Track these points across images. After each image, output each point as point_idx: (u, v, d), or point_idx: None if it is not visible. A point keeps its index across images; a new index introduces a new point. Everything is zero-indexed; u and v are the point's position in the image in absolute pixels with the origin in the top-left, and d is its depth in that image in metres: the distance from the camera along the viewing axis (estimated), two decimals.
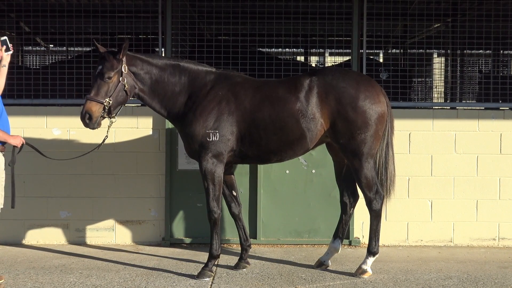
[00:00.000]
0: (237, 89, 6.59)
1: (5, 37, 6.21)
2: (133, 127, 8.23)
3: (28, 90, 8.51)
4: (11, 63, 6.23)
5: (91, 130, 6.44)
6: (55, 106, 8.39)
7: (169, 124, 8.09)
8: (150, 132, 8.23)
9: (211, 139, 6.46)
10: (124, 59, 6.39)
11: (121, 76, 6.35)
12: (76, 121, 8.14)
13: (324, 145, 6.97)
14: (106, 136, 6.66)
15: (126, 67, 6.40)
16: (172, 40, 8.31)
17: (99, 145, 6.78)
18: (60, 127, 8.23)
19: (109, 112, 6.35)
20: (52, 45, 13.63)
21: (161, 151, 8.21)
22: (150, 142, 8.22)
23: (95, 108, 6.26)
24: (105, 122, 6.48)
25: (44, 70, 8.91)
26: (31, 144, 6.59)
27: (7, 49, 6.18)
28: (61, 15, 8.79)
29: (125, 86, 6.37)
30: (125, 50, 6.37)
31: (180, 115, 6.60)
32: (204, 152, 6.49)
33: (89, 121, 6.27)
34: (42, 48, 13.93)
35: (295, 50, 13.31)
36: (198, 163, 6.61)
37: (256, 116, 6.48)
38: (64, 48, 12.91)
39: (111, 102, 6.30)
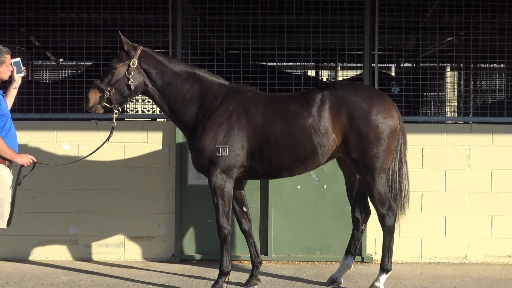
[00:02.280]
0: (248, 104, 6.57)
1: (18, 59, 6.24)
2: (143, 142, 8.22)
3: (38, 104, 8.53)
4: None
5: (102, 144, 6.57)
6: (65, 120, 8.41)
7: (179, 139, 8.07)
8: (160, 147, 8.22)
9: (220, 154, 6.44)
10: (137, 54, 6.51)
11: (128, 69, 6.46)
12: (86, 136, 8.25)
13: (335, 160, 6.92)
14: (113, 126, 6.59)
15: (137, 63, 6.52)
16: (182, 54, 8.32)
17: (106, 139, 6.72)
18: (70, 141, 8.23)
19: (109, 102, 6.43)
20: (62, 60, 13.69)
21: (171, 166, 8.19)
22: (160, 157, 8.20)
23: (94, 93, 6.42)
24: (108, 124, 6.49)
25: (54, 84, 8.94)
26: (41, 162, 6.56)
27: (19, 71, 6.20)
28: (71, 29, 8.81)
29: (129, 80, 6.44)
30: (136, 50, 6.52)
31: (189, 126, 6.61)
32: (214, 167, 6.46)
33: (86, 104, 6.44)
34: (52, 63, 13.99)
35: (306, 64, 13.31)
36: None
37: (267, 132, 6.45)
38: (74, 63, 12.97)
39: (112, 91, 6.40)
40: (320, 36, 9.12)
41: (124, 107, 6.92)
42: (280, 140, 6.45)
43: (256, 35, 8.71)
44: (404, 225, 7.94)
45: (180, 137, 8.07)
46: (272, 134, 6.46)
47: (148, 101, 11.31)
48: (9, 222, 6.12)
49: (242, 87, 6.78)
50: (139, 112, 12.06)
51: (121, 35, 6.47)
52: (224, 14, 8.95)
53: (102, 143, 6.89)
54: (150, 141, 8.23)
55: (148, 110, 11.68)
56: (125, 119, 8.93)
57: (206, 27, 9.74)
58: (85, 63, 11.38)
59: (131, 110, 12.05)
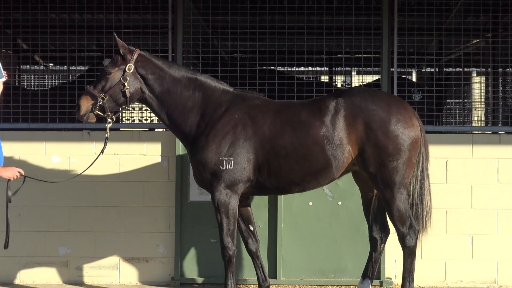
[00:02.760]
0: (255, 112, 6.58)
1: None
2: (140, 154, 8.25)
3: (25, 113, 8.57)
4: (6, 83, 6.25)
5: (97, 158, 6.68)
6: (55, 131, 8.44)
7: (180, 151, 8.09)
8: (159, 160, 8.23)
9: (224, 168, 6.45)
10: (134, 58, 6.56)
11: (123, 75, 6.50)
12: (78, 147, 8.27)
13: (350, 173, 6.91)
14: (106, 136, 6.66)
15: (133, 68, 6.57)
16: (183, 58, 8.36)
17: (101, 152, 6.78)
18: (60, 154, 8.26)
19: (103, 110, 6.48)
20: (52, 64, 13.75)
21: (171, 181, 8.20)
22: (159, 170, 8.22)
23: (86, 100, 6.49)
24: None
25: (43, 91, 8.97)
26: (30, 176, 6.58)
27: (0, 76, 6.19)
28: (62, 31, 8.86)
29: (124, 86, 6.48)
30: (132, 54, 6.57)
31: (191, 137, 6.64)
32: (217, 182, 6.47)
33: (77, 112, 6.50)
34: (41, 67, 14.05)
35: (318, 68, 13.33)
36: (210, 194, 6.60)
37: (276, 143, 6.46)
38: (65, 68, 13.02)
39: (105, 98, 6.45)
40: (334, 38, 9.15)
41: (119, 116, 6.97)
42: (290, 152, 6.46)
43: (264, 37, 8.74)
44: (426, 246, 7.92)
45: (180, 148, 8.08)
46: (281, 146, 6.47)
47: (146, 110, 11.34)
48: (6, 244, 6.14)
49: (248, 94, 6.80)
50: (136, 121, 12.09)
51: (117, 38, 6.51)
52: (229, 15, 8.98)
53: (96, 156, 6.94)
54: (147, 153, 8.25)
55: (146, 119, 11.72)
56: (121, 129, 8.95)
57: (209, 28, 9.77)
58: (77, 68, 11.42)
59: (127, 119, 12.09)
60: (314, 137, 6.46)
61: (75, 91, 8.64)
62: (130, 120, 12.16)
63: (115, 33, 6.61)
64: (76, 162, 8.20)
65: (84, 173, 7.51)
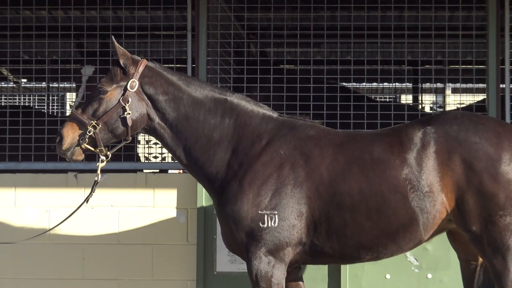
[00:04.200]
0: (308, 147, 6.56)
1: None
2: (147, 206, 8.32)
3: None
4: None
5: (79, 207, 6.62)
6: (29, 173, 8.52)
7: (203, 201, 8.12)
8: (174, 214, 8.31)
9: (266, 225, 6.42)
10: (138, 71, 6.54)
11: (123, 94, 6.49)
12: (61, 196, 8.31)
13: (444, 234, 6.85)
14: (96, 181, 6.62)
15: (138, 84, 6.53)
16: (207, 71, 8.41)
17: (85, 200, 6.72)
18: (36, 205, 8.35)
19: (94, 143, 6.46)
20: (25, 80, 13.90)
21: (191, 244, 8.24)
22: (174, 229, 8.30)
23: (72, 129, 6.45)
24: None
25: (13, 118, 9.03)
26: None
27: None
28: (40, 34, 9.00)
29: (125, 111, 6.46)
30: (137, 65, 6.56)
31: (218, 181, 6.63)
32: (255, 246, 6.44)
33: (59, 145, 6.44)
34: (11, 84, 14.20)
35: (398, 85, 13.30)
36: (245, 262, 6.58)
37: (339, 190, 6.42)
38: (44, 84, 13.13)
39: (98, 126, 6.42)
40: (419, 42, 9.12)
41: (118, 151, 6.97)
42: (359, 202, 6.40)
43: (321, 41, 8.76)
44: None
45: (204, 198, 8.14)
46: (346, 194, 6.42)
47: (155, 143, 11.40)
48: None
49: (299, 121, 6.78)
50: (142, 159, 12.15)
51: (115, 42, 6.52)
52: (272, 10, 9.01)
53: (79, 205, 6.86)
54: (158, 205, 8.32)
55: (155, 156, 11.79)
56: (119, 171, 8.96)
57: (245, 29, 9.82)
58: (60, 84, 11.54)
59: (129, 156, 12.13)
60: (392, 181, 6.40)
61: (56, 117, 8.70)
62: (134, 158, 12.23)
63: (112, 36, 6.61)
64: (58, 217, 8.19)
65: (70, 232, 7.54)
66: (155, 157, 11.81)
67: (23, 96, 14.29)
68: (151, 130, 6.71)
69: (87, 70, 9.61)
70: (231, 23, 9.36)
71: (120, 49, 6.56)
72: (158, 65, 6.73)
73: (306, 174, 6.49)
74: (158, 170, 8.99)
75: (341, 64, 9.26)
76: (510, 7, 8.39)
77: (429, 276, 8.08)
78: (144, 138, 11.56)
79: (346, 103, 8.69)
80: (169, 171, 9.06)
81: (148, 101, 6.61)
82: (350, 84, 11.28)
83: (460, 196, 6.39)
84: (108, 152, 6.59)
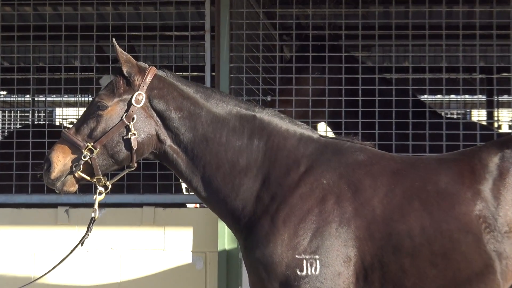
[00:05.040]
0: (357, 175, 6.49)
1: None
2: (156, 249, 8.33)
3: None
4: None
5: (74, 248, 6.56)
6: (9, 207, 8.54)
7: (225, 243, 8.11)
8: (189, 259, 8.33)
9: (305, 273, 6.36)
10: (146, 82, 6.48)
11: (127, 110, 6.43)
12: (49, 236, 8.31)
13: None
14: (93, 218, 6.51)
15: (145, 98, 6.48)
16: (230, 81, 8.38)
17: (80, 242, 6.65)
18: (18, 247, 8.34)
19: (90, 170, 6.40)
20: (3, 93, 13.97)
21: None
22: (190, 277, 8.32)
23: (63, 153, 6.40)
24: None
25: None
26: None
27: None
28: (22, 35, 9.02)
29: (129, 131, 6.41)
30: (144, 74, 6.51)
31: (244, 218, 6.58)
32: None
33: (46, 173, 6.37)
34: None
35: (467, 98, 13.27)
36: None
37: (396, 230, 6.34)
38: (28, 98, 13.18)
39: (96, 149, 6.37)
40: (494, 44, 9.08)
41: (119, 180, 6.90)
42: (421, 245, 6.33)
43: (371, 43, 8.73)
44: None
45: (226, 239, 8.13)
46: (404, 235, 6.34)
47: (165, 170, 11.39)
48: None
49: (345, 142, 6.72)
50: (149, 191, 12.13)
51: (117, 46, 6.47)
52: (311, 6, 8.98)
53: (72, 248, 6.81)
54: (169, 247, 8.33)
55: (166, 187, 11.76)
56: (121, 205, 8.94)
57: (277, 29, 9.79)
58: (48, 98, 11.55)
59: (133, 187, 12.13)
60: (462, 219, 6.33)
61: (44, 138, 8.69)
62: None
63: (113, 39, 6.57)
64: (46, 263, 8.23)
65: (61, 283, 7.51)
66: (166, 188, 11.80)
67: (2, 112, 14.37)
68: (161, 154, 6.65)
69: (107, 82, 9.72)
70: (260, 21, 9.34)
71: (123, 54, 6.50)
72: (170, 74, 6.67)
73: (355, 210, 6.42)
74: (169, 202, 8.96)
75: (397, 71, 9.21)
76: None
77: None
78: (155, 165, 11.56)
79: (402, 121, 8.64)
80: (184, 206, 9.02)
81: (158, 119, 6.55)
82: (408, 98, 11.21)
83: None
84: (108, 182, 6.52)
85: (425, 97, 12.71)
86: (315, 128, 9.21)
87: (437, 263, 6.35)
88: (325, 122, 9.43)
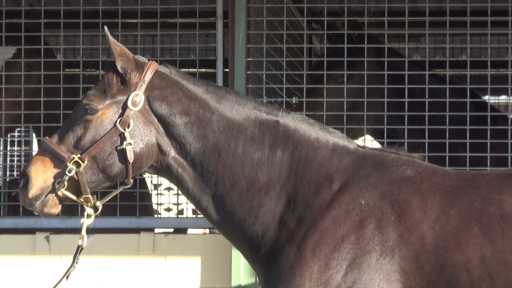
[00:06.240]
0: (403, 194, 6.53)
1: None
2: (156, 284, 8.33)
3: None
4: None
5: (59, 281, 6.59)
6: None
7: (241, 276, 8.13)
8: None
9: None
10: (145, 80, 6.52)
11: (122, 115, 6.46)
12: (25, 267, 8.38)
13: None
14: (80, 246, 6.58)
15: (143, 100, 6.52)
16: (247, 80, 8.41)
17: (65, 275, 6.65)
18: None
19: (76, 188, 6.43)
20: None
21: None
22: None
23: (43, 168, 6.41)
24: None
25: None
26: None
27: None
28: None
29: (124, 139, 6.44)
30: (142, 71, 6.53)
31: (265, 246, 6.63)
32: None
33: (23, 191, 6.37)
34: None
35: None
36: None
37: (450, 261, 6.38)
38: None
39: (83, 162, 6.39)
40: None
41: (112, 200, 6.94)
42: (481, 280, 6.37)
43: (421, 32, 8.79)
44: None
45: (242, 272, 8.13)
46: (460, 267, 6.38)
47: (169, 187, 11.46)
48: None
49: (389, 154, 6.78)
50: (147, 213, 12.20)
51: (109, 36, 6.50)
52: None
53: (56, 283, 6.86)
54: (172, 282, 8.38)
55: (168, 209, 11.83)
56: (115, 230, 9.00)
57: (304, 16, 9.85)
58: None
59: (129, 209, 12.20)
60: None
61: (19, 149, 8.77)
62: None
63: (105, 27, 6.61)
64: None
65: None
66: (168, 210, 11.85)
67: None
68: (163, 168, 6.68)
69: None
70: (284, 5, 9.37)
71: (116, 46, 6.52)
72: (174, 71, 6.69)
73: (400, 236, 6.46)
74: (172, 229, 9.01)
75: (452, 67, 9.25)
76: None
77: None
78: (154, 180, 11.60)
79: (458, 127, 8.69)
80: (189, 231, 9.09)
81: (159, 125, 6.58)
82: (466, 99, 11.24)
83: None
84: (98, 202, 6.55)
85: (486, 98, 12.78)
86: (352, 137, 9.23)
87: None
88: (363, 129, 9.48)
